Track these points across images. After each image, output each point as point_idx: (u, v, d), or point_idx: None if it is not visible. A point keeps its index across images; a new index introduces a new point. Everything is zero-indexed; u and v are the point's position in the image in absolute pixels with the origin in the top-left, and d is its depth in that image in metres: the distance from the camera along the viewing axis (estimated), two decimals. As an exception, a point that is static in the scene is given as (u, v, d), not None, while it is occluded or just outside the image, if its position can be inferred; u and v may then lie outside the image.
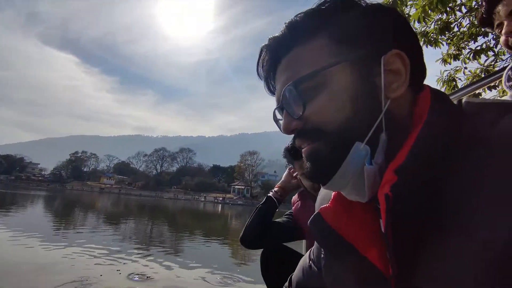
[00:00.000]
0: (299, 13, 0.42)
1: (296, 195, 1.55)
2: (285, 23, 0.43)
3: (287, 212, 1.56)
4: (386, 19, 0.40)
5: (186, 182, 76.36)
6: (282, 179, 1.57)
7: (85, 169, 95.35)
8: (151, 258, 4.12)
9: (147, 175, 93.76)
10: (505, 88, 1.06)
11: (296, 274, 0.68)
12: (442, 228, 0.32)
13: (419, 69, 0.40)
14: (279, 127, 0.44)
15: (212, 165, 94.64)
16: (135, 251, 4.48)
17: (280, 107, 0.44)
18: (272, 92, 0.47)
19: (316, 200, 0.59)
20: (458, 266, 0.30)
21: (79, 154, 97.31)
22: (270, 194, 1.53)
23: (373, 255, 0.40)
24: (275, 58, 0.44)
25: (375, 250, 0.39)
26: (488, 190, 0.29)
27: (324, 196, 0.54)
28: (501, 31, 0.88)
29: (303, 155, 0.43)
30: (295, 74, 0.40)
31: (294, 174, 1.51)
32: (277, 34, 0.43)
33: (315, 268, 0.61)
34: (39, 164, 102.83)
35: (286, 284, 0.72)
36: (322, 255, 0.54)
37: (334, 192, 0.46)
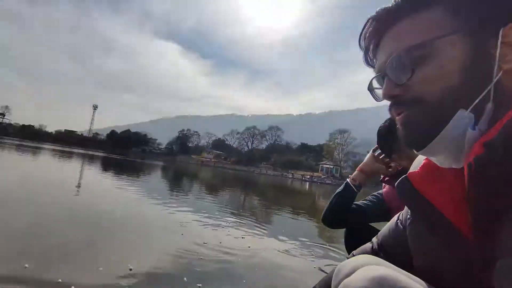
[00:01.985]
0: None
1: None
2: None
3: (373, 193, 1.57)
4: None
5: (275, 159, 79.16)
6: (364, 161, 1.51)
7: (189, 145, 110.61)
8: (244, 226, 4.25)
9: (239, 151, 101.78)
10: None
11: (383, 230, 0.73)
12: None
13: None
14: (374, 97, 0.46)
15: (300, 143, 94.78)
16: (231, 218, 4.73)
17: (382, 75, 0.45)
18: (369, 64, 0.49)
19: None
20: None
21: (185, 132, 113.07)
22: (348, 180, 1.50)
23: (456, 218, 0.41)
24: (381, 29, 0.44)
25: (459, 214, 0.41)
26: None
27: (416, 166, 0.54)
28: None
29: (399, 122, 0.44)
30: (405, 43, 0.41)
31: (381, 157, 1.44)
32: (389, 5, 0.43)
33: (401, 226, 0.65)
34: (157, 139, 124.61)
35: (368, 244, 0.75)
36: (408, 215, 0.57)
37: (424, 161, 0.49)
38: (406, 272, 0.54)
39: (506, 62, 0.38)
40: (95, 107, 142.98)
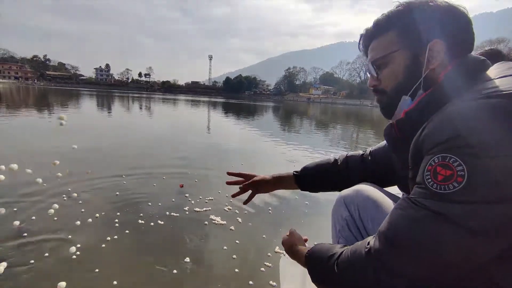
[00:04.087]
0: (383, 13, 0.66)
1: None
2: (374, 21, 0.68)
3: None
4: (435, 16, 0.60)
5: (393, 88, 68.97)
6: None
7: (296, 82, 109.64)
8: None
9: (350, 84, 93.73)
10: None
11: (379, 144, 0.98)
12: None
13: (461, 45, 0.61)
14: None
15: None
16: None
17: (368, 72, 0.73)
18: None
19: None
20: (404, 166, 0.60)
21: (291, 70, 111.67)
22: None
23: None
24: (366, 43, 0.71)
25: None
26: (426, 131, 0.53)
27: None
28: None
29: (376, 101, 0.73)
30: (375, 55, 0.68)
31: None
32: (368, 27, 0.69)
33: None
34: (265, 81, 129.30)
35: None
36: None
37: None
38: (388, 192, 0.84)
39: (432, 64, 0.61)
40: (210, 57, 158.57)
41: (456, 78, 0.57)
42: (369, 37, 0.69)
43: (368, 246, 0.53)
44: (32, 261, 1.41)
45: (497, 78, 0.53)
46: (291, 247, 0.80)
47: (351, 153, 1.02)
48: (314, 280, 0.64)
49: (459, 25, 0.60)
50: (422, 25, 0.61)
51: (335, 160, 1.00)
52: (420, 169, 0.51)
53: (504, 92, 0.48)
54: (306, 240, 0.85)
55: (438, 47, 0.60)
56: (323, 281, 0.62)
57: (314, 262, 0.65)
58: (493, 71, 0.56)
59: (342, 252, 0.59)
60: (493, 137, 0.44)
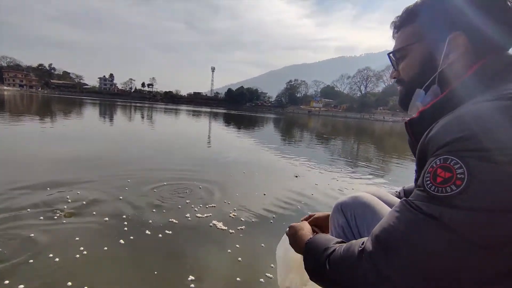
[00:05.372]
0: (409, 5, 0.66)
1: None
2: (402, 10, 0.67)
3: None
4: (459, 6, 0.56)
5: (394, 103, 69.55)
6: None
7: (297, 95, 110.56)
8: (358, 176, 4.21)
9: (351, 97, 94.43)
10: None
11: None
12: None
13: (483, 42, 0.56)
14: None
15: (427, 81, 78.81)
16: (343, 167, 4.74)
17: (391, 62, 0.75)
18: None
19: None
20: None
21: (292, 82, 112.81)
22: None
23: None
24: (393, 33, 0.71)
25: None
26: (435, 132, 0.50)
27: None
28: None
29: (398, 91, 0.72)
30: (396, 46, 0.69)
31: None
32: (397, 17, 0.69)
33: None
34: (267, 93, 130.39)
35: None
36: None
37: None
38: (387, 200, 0.85)
39: (449, 59, 0.58)
40: (213, 69, 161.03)
41: (478, 80, 0.53)
42: (396, 27, 0.69)
43: (362, 246, 0.52)
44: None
45: None
46: (297, 231, 0.79)
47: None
48: (306, 268, 0.64)
49: (490, 15, 0.54)
50: (443, 17, 0.58)
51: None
52: (423, 171, 0.49)
53: None
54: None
55: (458, 41, 0.56)
56: (314, 271, 0.61)
57: (310, 251, 0.65)
58: None
59: (337, 247, 0.58)
60: (500, 141, 0.40)
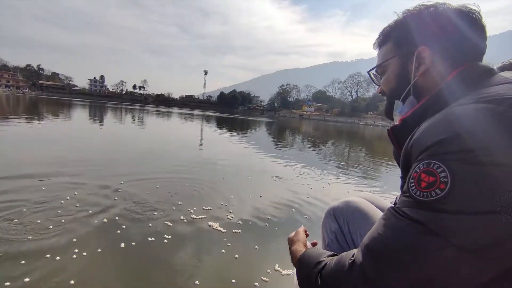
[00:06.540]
0: (387, 26, 0.71)
1: None
2: (380, 31, 0.73)
3: None
4: (427, 23, 0.61)
5: (384, 108, 70.66)
6: None
7: (290, 99, 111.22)
8: (350, 180, 4.27)
9: (342, 102, 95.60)
10: None
11: None
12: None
13: (462, 52, 0.59)
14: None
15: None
16: (335, 171, 4.81)
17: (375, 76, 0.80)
18: None
19: None
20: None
21: (284, 87, 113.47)
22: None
23: None
24: (376, 51, 0.76)
25: None
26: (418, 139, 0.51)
27: None
28: None
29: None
30: (378, 62, 0.74)
31: None
32: (377, 37, 0.74)
33: None
34: (259, 97, 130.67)
35: None
36: None
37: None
38: (380, 205, 0.86)
39: (420, 71, 0.63)
40: (205, 72, 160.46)
41: (454, 87, 0.56)
42: (376, 45, 0.75)
43: (352, 258, 0.51)
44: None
45: (497, 85, 0.51)
46: (291, 245, 0.78)
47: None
48: (299, 283, 0.63)
49: (458, 31, 0.58)
50: (412, 34, 0.63)
51: None
52: (407, 177, 0.49)
53: (494, 97, 0.45)
54: (315, 244, 0.81)
55: (424, 54, 0.61)
56: (306, 287, 0.61)
57: (302, 266, 0.64)
58: (497, 79, 0.54)
59: (328, 261, 0.57)
60: (480, 142, 0.41)
